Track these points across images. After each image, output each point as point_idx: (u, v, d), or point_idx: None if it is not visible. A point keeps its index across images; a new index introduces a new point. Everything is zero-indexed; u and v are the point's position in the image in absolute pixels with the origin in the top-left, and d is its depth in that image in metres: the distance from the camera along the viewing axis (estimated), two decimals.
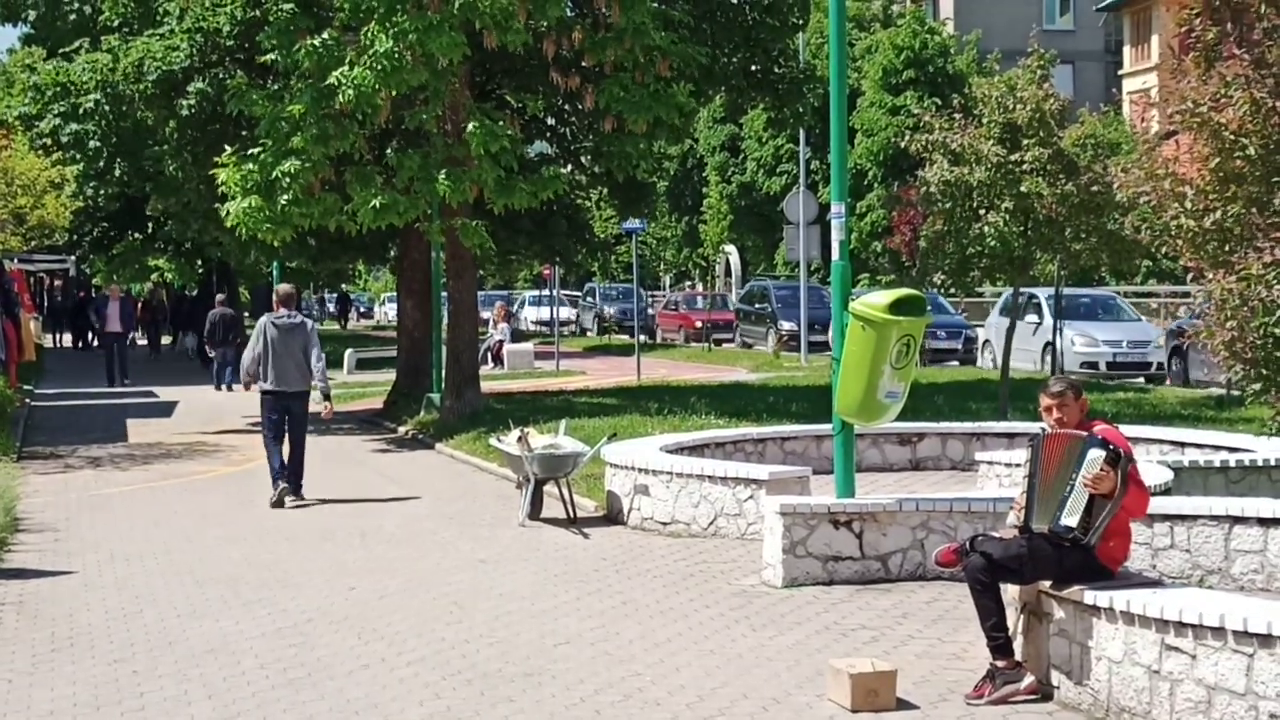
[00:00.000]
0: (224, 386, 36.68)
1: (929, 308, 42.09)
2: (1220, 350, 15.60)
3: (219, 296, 41.71)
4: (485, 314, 48.88)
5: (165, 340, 58.63)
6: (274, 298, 20.03)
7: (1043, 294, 37.24)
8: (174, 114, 26.16)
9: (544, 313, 69.86)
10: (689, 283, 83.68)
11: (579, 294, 76.40)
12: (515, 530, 16.15)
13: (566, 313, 71.08)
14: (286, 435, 18.77)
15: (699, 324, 54.92)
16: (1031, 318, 37.64)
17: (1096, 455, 9.22)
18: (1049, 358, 35.26)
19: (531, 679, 10.12)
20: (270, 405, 18.75)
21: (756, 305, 52.10)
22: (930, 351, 40.48)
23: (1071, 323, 36.67)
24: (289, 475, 18.63)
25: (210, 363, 40.63)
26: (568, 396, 30.13)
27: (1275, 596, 11.82)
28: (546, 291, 74.66)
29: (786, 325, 46.46)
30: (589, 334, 66.44)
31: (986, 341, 40.58)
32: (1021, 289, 26.25)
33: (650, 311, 63.55)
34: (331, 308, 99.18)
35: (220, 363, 37.80)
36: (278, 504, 18.35)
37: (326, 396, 19.21)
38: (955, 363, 41.63)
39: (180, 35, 25.45)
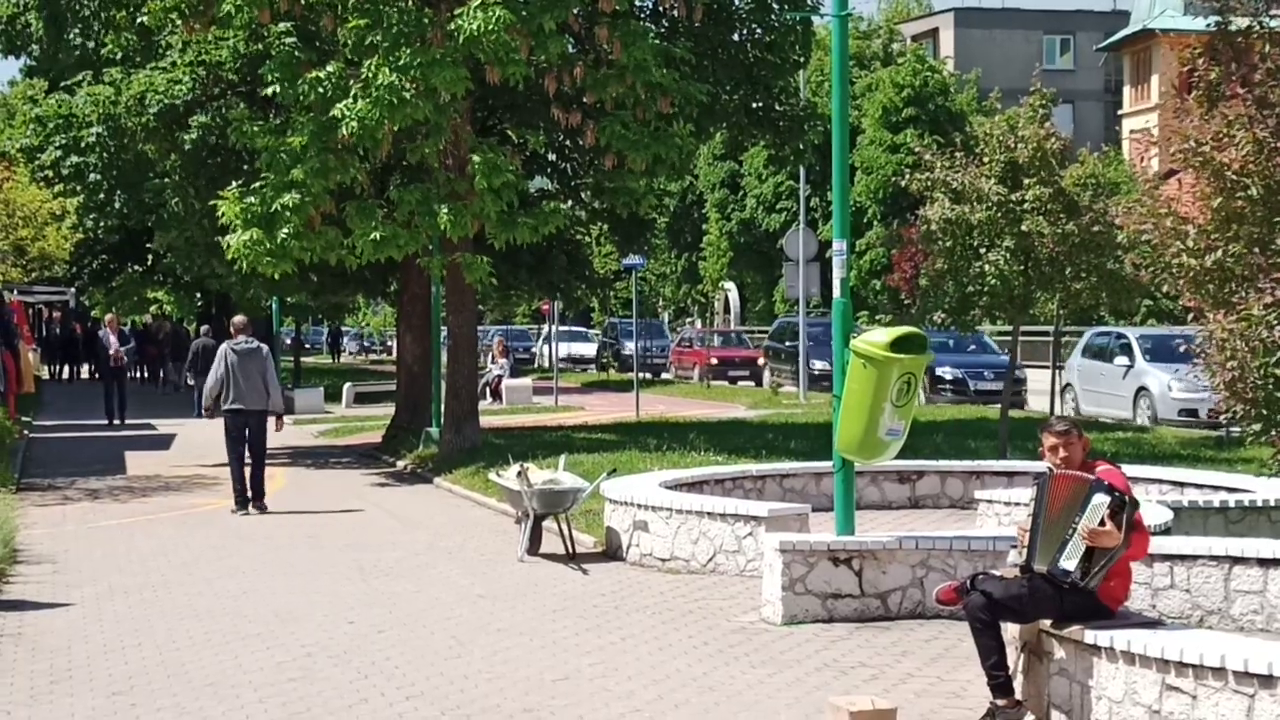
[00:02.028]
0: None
1: (972, 346, 40.19)
2: (1221, 390, 15.62)
3: (203, 328, 41.77)
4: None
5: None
6: (231, 327, 22.01)
7: (1133, 334, 35.12)
8: (176, 147, 26.22)
9: (575, 349, 68.58)
10: (688, 319, 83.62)
11: (590, 329, 75.76)
12: (514, 565, 16.12)
13: (587, 349, 70.10)
14: (247, 449, 20.94)
15: (715, 361, 53.53)
16: (1121, 359, 34.61)
17: (1101, 501, 9.18)
18: (1143, 403, 33.16)
19: (530, 714, 10.10)
20: (232, 422, 20.89)
21: (787, 343, 49.03)
22: (975, 393, 39.40)
23: (1165, 365, 32.75)
24: (251, 486, 20.94)
25: (192, 390, 40.73)
26: (567, 432, 30.12)
27: (1275, 637, 11.79)
28: (577, 326, 73.99)
29: (819, 364, 43.77)
30: (612, 371, 64.13)
31: (1068, 385, 36.40)
32: (1109, 328, 25.89)
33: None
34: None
35: (200, 390, 38.04)
36: (241, 505, 20.84)
37: (279, 415, 22.00)
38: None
39: (182, 68, 25.55)
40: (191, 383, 37.87)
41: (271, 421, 21.64)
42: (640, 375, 56.44)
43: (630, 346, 61.62)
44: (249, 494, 20.93)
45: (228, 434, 20.95)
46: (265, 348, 21.66)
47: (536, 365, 66.90)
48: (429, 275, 26.55)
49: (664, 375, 58.25)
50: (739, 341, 59.14)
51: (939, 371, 39.54)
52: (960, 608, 9.85)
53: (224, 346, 21.18)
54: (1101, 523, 9.15)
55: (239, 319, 22.17)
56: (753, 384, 50.97)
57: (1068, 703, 9.38)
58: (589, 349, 70.20)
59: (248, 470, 20.99)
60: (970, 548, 13.11)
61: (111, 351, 37.66)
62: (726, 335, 61.35)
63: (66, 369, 63.00)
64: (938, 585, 10.72)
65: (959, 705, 10.15)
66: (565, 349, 68.11)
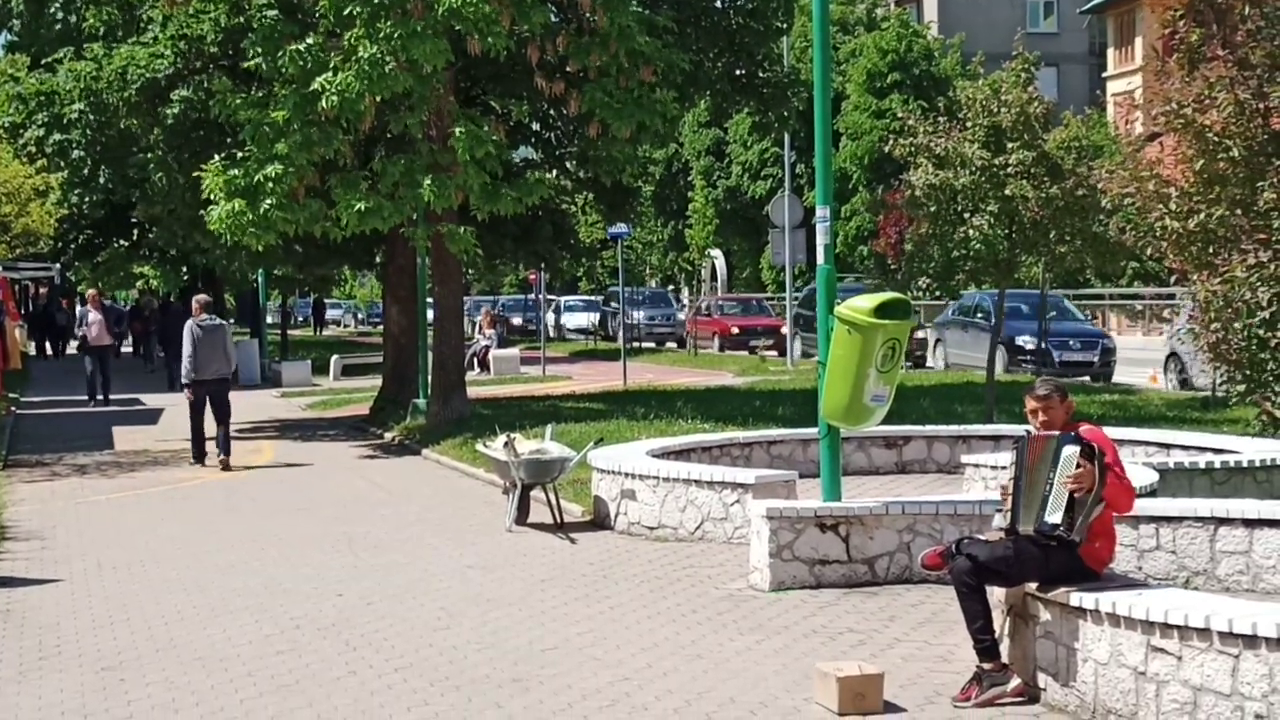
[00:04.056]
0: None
1: (1052, 313, 36.56)
2: (1206, 351, 15.67)
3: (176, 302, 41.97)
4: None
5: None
6: (195, 305, 23.72)
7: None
8: (159, 121, 26.15)
9: (586, 319, 67.49)
10: (670, 287, 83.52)
11: (594, 298, 75.12)
12: (502, 536, 16.15)
13: (586, 319, 69.01)
14: (210, 414, 23.12)
15: (736, 330, 51.32)
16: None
17: (1071, 452, 9.24)
18: None
19: (519, 684, 10.13)
20: (195, 391, 23.06)
21: (815, 310, 46.10)
22: (1061, 364, 35.43)
23: None
24: (220, 446, 23.08)
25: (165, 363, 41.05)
26: (554, 402, 30.12)
27: (1260, 597, 11.83)
28: (590, 296, 72.92)
29: None
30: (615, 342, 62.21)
31: (1172, 355, 32.64)
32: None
33: (681, 317, 60.94)
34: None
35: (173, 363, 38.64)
36: (199, 460, 23.23)
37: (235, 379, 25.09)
38: (1086, 378, 35.39)
39: (164, 42, 25.45)
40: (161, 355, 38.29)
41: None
42: (647, 345, 55.96)
43: (636, 315, 60.47)
44: (220, 455, 23.08)
45: (190, 399, 23.25)
46: (225, 324, 24.11)
47: (551, 337, 66.36)
48: (414, 247, 26.51)
49: (669, 345, 57.24)
50: (759, 309, 56.15)
51: (1019, 341, 36.16)
52: (946, 572, 9.87)
53: (190, 324, 23.13)
54: (1076, 465, 9.19)
55: (201, 297, 24.16)
56: (776, 354, 48.00)
57: (1053, 665, 9.41)
58: (584, 319, 69.07)
59: (208, 437, 23.30)
60: (957, 512, 13.15)
61: (91, 326, 36.34)
62: (746, 303, 57.83)
63: (50, 345, 62.78)
64: (924, 550, 10.74)
65: (946, 669, 10.19)
66: (575, 319, 67.38)
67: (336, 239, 24.10)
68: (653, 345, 56.74)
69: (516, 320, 71.36)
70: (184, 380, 23.46)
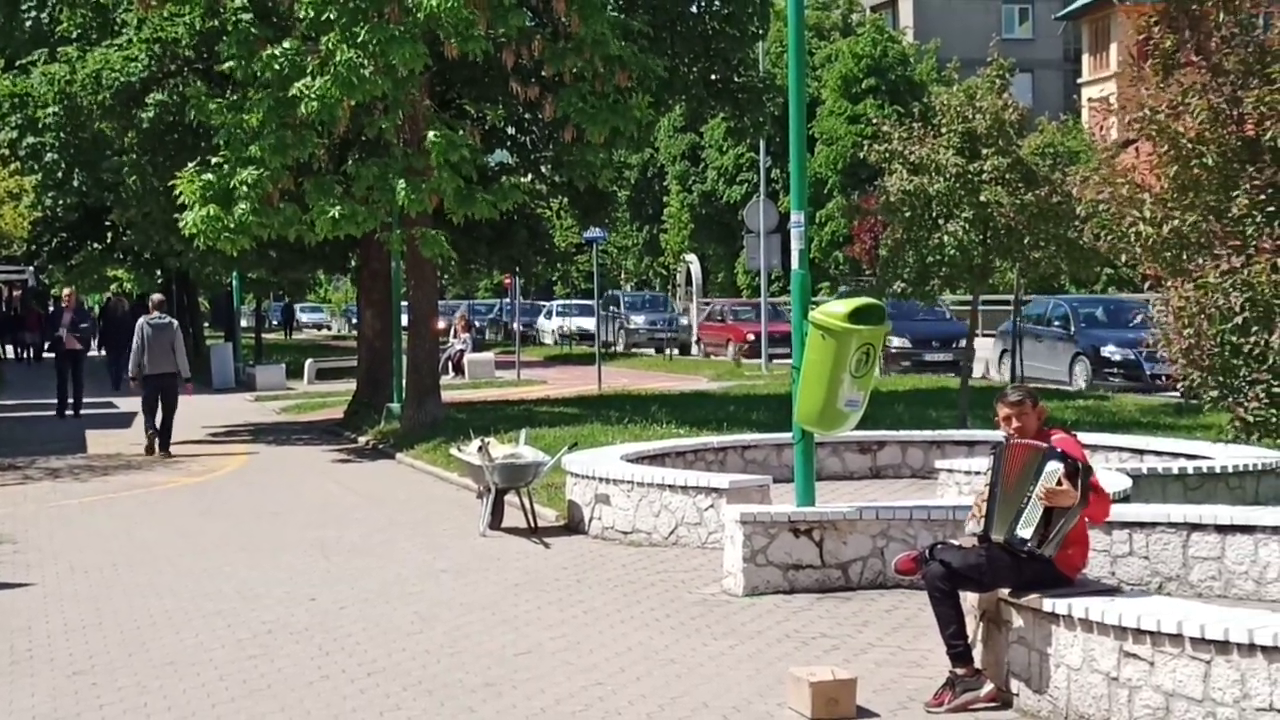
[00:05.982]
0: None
1: (1139, 318, 33.69)
2: (1178, 357, 15.71)
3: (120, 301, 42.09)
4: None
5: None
6: (149, 303, 25.85)
7: None
8: (133, 125, 26.08)
9: (583, 324, 63.94)
10: (646, 292, 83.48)
11: (589, 302, 74.26)
12: (476, 540, 16.12)
13: (584, 323, 67.77)
14: (160, 405, 25.04)
15: (751, 337, 48.13)
16: None
17: (1055, 468, 9.21)
18: None
19: (492, 689, 10.11)
20: (146, 384, 24.92)
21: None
22: (1151, 377, 31.18)
23: None
24: (160, 435, 25.13)
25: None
26: (529, 406, 30.07)
27: (1233, 603, 11.85)
28: (583, 300, 72.13)
29: (895, 340, 38.30)
30: (615, 349, 58.15)
31: None
32: None
33: (684, 321, 59.49)
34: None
35: (118, 362, 38.69)
36: (150, 450, 25.01)
37: (188, 379, 25.74)
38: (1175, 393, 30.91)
39: (138, 45, 25.39)
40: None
41: (185, 385, 25.71)
42: (646, 351, 55.42)
43: (636, 320, 59.36)
44: (158, 442, 25.11)
45: (142, 392, 25.15)
46: (175, 322, 25.81)
47: (544, 341, 65.99)
48: (389, 251, 26.49)
49: (673, 352, 54.88)
50: (775, 315, 50.71)
51: (1104, 352, 33.28)
52: (919, 577, 9.87)
53: (140, 321, 25.10)
54: (1059, 483, 9.18)
55: (156, 297, 26.34)
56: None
57: (1026, 670, 9.42)
58: (572, 324, 67.11)
59: (159, 423, 25.12)
60: (930, 517, 13.16)
61: (61, 332, 33.88)
62: (759, 308, 51.81)
63: (20, 349, 62.47)
64: (898, 555, 10.75)
65: (919, 675, 10.19)
66: (573, 323, 66.92)
67: (311, 243, 24.06)
68: (651, 351, 55.79)
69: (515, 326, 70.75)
70: (130, 374, 25.39)
